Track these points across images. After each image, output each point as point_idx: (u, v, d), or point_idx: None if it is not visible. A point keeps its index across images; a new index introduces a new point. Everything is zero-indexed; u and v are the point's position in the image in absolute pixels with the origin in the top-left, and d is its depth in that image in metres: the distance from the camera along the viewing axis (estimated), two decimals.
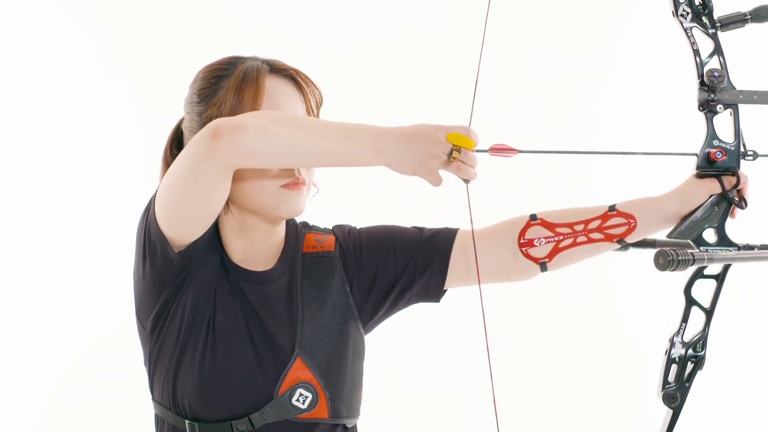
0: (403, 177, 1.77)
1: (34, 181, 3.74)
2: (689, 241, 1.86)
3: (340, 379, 1.92)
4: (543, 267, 1.93)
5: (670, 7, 1.89)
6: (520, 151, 1.79)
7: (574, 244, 1.91)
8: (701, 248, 1.85)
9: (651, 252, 1.85)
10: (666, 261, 1.69)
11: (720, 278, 1.88)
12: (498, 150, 1.79)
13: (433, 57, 3.75)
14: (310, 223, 2.04)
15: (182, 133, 1.97)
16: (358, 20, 3.81)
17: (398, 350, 3.65)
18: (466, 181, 1.75)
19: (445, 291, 1.99)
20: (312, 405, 1.89)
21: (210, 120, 1.86)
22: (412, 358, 3.73)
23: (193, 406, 1.90)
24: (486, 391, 3.75)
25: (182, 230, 1.85)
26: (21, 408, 3.72)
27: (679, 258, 1.69)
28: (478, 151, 1.75)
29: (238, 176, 1.83)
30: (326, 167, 1.84)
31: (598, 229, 1.90)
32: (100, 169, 3.73)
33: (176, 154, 1.87)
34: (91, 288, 3.68)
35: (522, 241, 1.93)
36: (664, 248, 1.71)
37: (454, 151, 1.71)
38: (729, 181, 1.87)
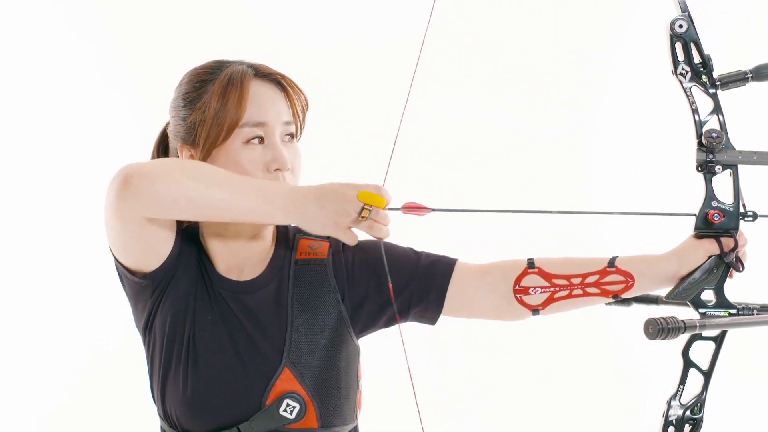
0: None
1: (34, 181, 3.74)
2: (687, 302, 1.85)
3: (330, 388, 1.91)
4: (535, 313, 1.93)
5: (669, 66, 1.86)
6: (433, 210, 1.79)
7: (570, 296, 1.90)
8: (699, 310, 1.84)
9: (654, 308, 1.85)
10: (656, 330, 1.65)
11: (718, 340, 1.87)
12: (411, 208, 1.80)
13: (434, 58, 3.71)
14: None
15: (168, 137, 1.95)
16: (357, 21, 3.78)
17: (397, 350, 3.64)
18: (379, 238, 1.76)
19: None
20: (300, 415, 1.89)
21: (194, 125, 1.86)
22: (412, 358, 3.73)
23: (180, 418, 1.90)
24: (485, 393, 3.77)
25: (137, 261, 1.86)
26: (26, 413, 3.74)
27: (669, 326, 1.65)
28: (390, 209, 1.75)
29: None
30: (235, 222, 1.84)
31: (595, 284, 1.89)
32: (102, 170, 3.69)
33: None
34: (95, 294, 3.67)
35: (517, 287, 1.92)
36: (654, 317, 1.67)
37: (364, 210, 1.72)
38: (727, 243, 1.85)
